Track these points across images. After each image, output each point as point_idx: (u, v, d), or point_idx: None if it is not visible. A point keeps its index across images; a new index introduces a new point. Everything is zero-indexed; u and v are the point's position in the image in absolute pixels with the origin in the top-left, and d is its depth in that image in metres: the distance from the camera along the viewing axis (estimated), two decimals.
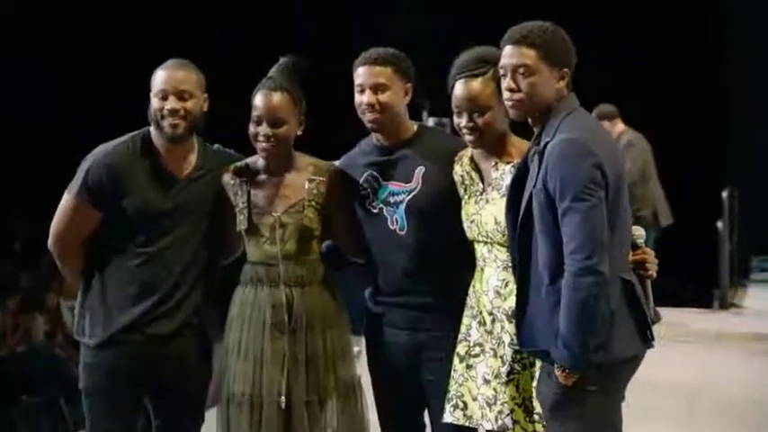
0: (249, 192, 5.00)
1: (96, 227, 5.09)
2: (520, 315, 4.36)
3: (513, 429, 4.54)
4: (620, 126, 11.22)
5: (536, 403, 4.52)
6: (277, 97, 4.93)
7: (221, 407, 5.07)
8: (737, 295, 14.16)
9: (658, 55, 16.06)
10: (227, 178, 5.06)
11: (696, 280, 10.71)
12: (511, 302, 4.50)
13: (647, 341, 4.28)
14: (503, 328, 4.56)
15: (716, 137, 13.42)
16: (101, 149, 5.11)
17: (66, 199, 5.06)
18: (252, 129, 4.96)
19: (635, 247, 4.48)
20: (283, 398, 4.89)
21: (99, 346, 5.05)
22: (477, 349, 4.64)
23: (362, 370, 5.24)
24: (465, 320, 4.72)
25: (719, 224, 12.93)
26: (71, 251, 5.14)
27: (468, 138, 4.67)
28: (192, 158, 5.11)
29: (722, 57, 18.42)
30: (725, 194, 13.11)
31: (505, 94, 4.32)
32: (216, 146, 5.27)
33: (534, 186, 4.22)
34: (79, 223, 5.07)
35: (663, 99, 10.09)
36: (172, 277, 5.05)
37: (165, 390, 5.19)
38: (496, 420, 4.53)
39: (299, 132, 5.02)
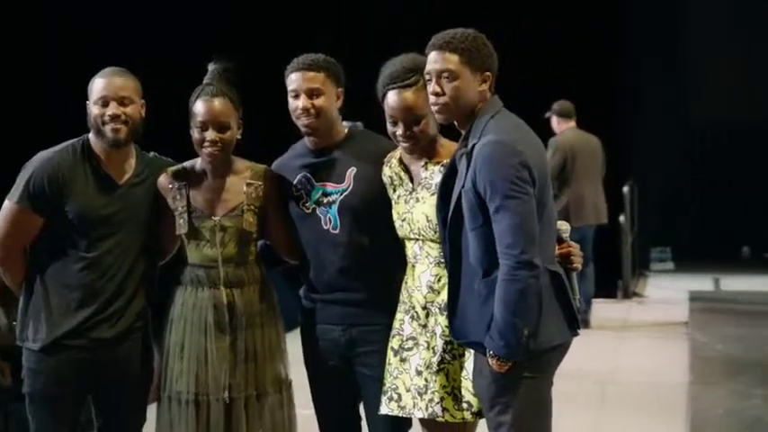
0: (188, 196, 5.00)
1: (37, 232, 5.04)
2: (452, 309, 4.43)
3: (443, 417, 4.60)
4: (569, 125, 11.25)
5: (465, 392, 4.59)
6: (219, 102, 4.95)
7: (162, 406, 5.09)
8: (639, 285, 14.47)
9: (559, 59, 16.27)
10: (165, 182, 5.06)
11: (600, 271, 10.88)
12: (444, 296, 4.56)
13: (574, 329, 4.40)
14: (436, 321, 4.62)
15: (616, 136, 13.63)
16: (42, 156, 5.07)
17: (7, 206, 5.02)
18: (196, 135, 4.95)
19: (560, 240, 4.58)
20: (227, 393, 4.93)
21: (43, 350, 5.02)
22: (411, 343, 4.68)
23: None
24: (398, 315, 4.76)
25: (621, 218, 13.16)
26: (12, 256, 5.09)
27: (404, 145, 4.72)
28: (132, 164, 5.09)
29: (621, 61, 18.73)
30: (625, 190, 13.36)
31: (431, 99, 4.39)
32: (152, 153, 5.26)
33: (463, 186, 4.29)
34: (20, 229, 5.03)
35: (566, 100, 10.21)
36: (114, 282, 5.03)
37: (109, 392, 5.18)
38: (427, 408, 4.59)
39: (239, 136, 5.05)
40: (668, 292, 13.91)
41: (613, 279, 13.15)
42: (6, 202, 5.04)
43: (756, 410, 7.25)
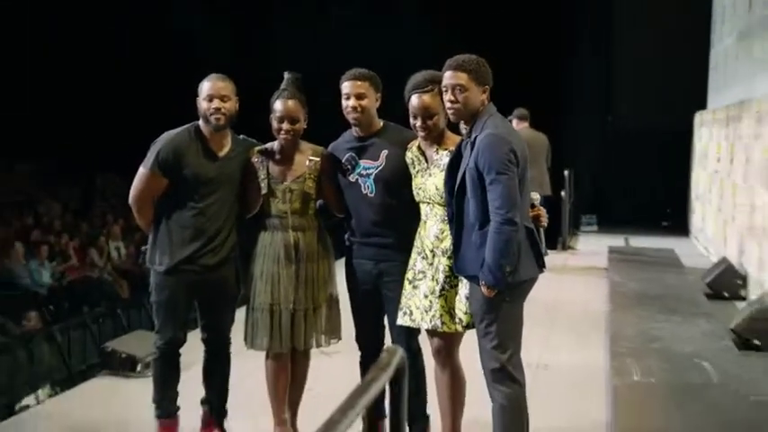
0: (268, 167, 5.24)
1: (163, 190, 5.27)
2: (455, 252, 4.63)
3: (442, 328, 4.79)
4: (524, 125, 11.48)
5: (457, 311, 4.78)
6: (291, 102, 5.15)
7: (248, 313, 5.29)
8: (573, 241, 14.52)
9: (504, 60, 16.27)
10: (255, 158, 5.28)
11: (548, 231, 11.08)
12: (445, 244, 4.76)
13: (542, 267, 4.63)
14: (439, 261, 4.81)
15: (561, 134, 13.68)
16: (166, 135, 5.30)
17: (142, 172, 5.26)
18: (275, 125, 5.16)
19: (532, 206, 4.80)
20: (292, 305, 5.19)
21: (166, 272, 5.26)
22: (420, 275, 4.86)
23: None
24: (413, 256, 4.93)
25: (562, 193, 13.26)
26: (146, 206, 5.33)
27: (421, 134, 4.88)
28: (228, 143, 5.31)
29: (563, 75, 18.82)
30: (566, 173, 13.48)
31: (447, 105, 4.57)
32: (242, 136, 5.43)
33: (468, 165, 4.49)
34: (151, 188, 5.27)
35: (513, 99, 10.25)
36: (215, 225, 5.26)
37: (210, 301, 5.42)
38: (430, 322, 4.79)
39: (305, 126, 5.25)
40: (593, 247, 13.94)
41: (555, 236, 13.32)
42: (141, 169, 5.27)
43: (657, 330, 7.35)
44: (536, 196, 4.96)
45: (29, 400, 9.42)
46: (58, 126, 22.07)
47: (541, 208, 4.92)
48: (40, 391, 9.67)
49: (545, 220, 4.86)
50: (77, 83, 22.20)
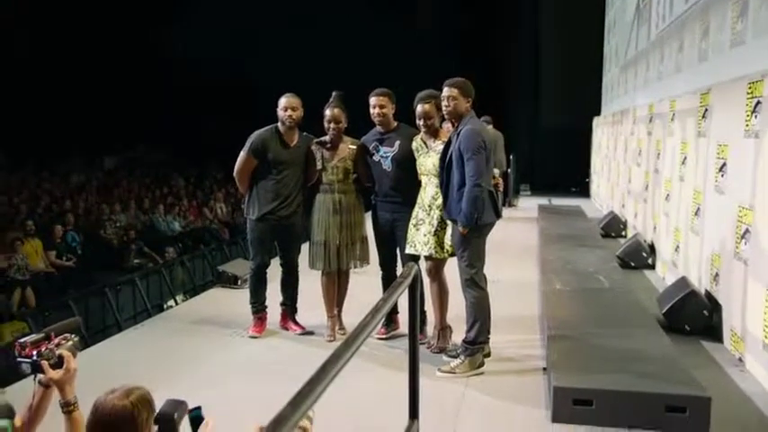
0: (322, 152, 5.22)
1: (254, 167, 5.26)
2: (444, 204, 4.60)
3: (435, 255, 4.77)
4: (490, 126, 11.19)
5: (445, 244, 4.76)
6: (337, 110, 5.15)
7: (310, 247, 5.29)
8: (516, 200, 14.56)
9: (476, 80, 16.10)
10: (313, 147, 5.25)
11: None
12: (439, 201, 4.72)
13: (498, 216, 4.60)
14: (434, 212, 4.78)
15: (508, 131, 13.51)
16: (257, 132, 5.28)
17: (242, 155, 5.26)
18: (326, 125, 5.15)
19: (494, 177, 4.75)
20: (338, 241, 5.20)
21: (257, 220, 5.28)
22: (421, 222, 4.83)
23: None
24: (415, 209, 4.89)
25: (509, 170, 13.23)
26: (243, 178, 5.32)
27: (423, 130, 4.85)
28: (296, 137, 5.29)
29: (505, 87, 18.57)
30: (512, 157, 13.36)
31: (444, 108, 4.53)
32: (305, 133, 5.37)
33: (454, 148, 4.45)
34: (247, 166, 5.27)
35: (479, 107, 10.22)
36: (287, 190, 5.26)
37: (285, 238, 5.41)
38: (428, 251, 4.78)
39: (345, 125, 5.22)
40: (528, 205, 13.89)
41: (504, 198, 13.27)
42: (241, 154, 5.26)
43: (570, 256, 7.32)
44: (496, 171, 4.96)
45: (171, 302, 9.52)
46: (180, 125, 22.01)
47: (500, 179, 4.95)
48: (177, 297, 9.77)
49: (501, 187, 4.87)
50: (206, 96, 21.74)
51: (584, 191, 16.78)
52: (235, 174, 5.38)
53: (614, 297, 5.87)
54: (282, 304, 5.58)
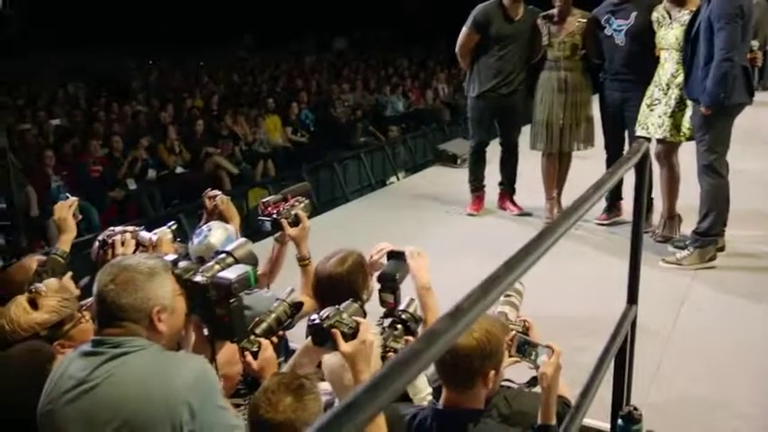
0: (549, 27, 4.95)
1: (477, 42, 5.15)
2: (686, 81, 4.19)
3: (670, 138, 4.40)
4: None
5: (683, 127, 4.36)
6: None
7: (531, 126, 5.12)
8: None
9: None
10: (539, 21, 4.99)
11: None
12: (679, 79, 4.30)
13: (751, 96, 4.07)
14: (672, 91, 4.37)
15: None
16: (480, 6, 5.13)
17: (464, 30, 5.17)
18: None
19: (751, 50, 4.20)
20: (562, 121, 4.97)
21: (476, 97, 5.23)
22: (656, 101, 4.46)
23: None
24: (650, 88, 4.50)
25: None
26: (465, 54, 5.24)
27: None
28: (521, 10, 5.09)
29: None
30: None
31: None
32: (530, 6, 5.12)
33: (703, 17, 4.00)
34: (469, 40, 5.17)
35: None
36: (510, 66, 5.12)
37: (504, 117, 5.33)
38: (662, 133, 4.41)
39: None
40: None
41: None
42: (463, 29, 5.17)
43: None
44: (755, 43, 4.38)
45: (393, 178, 9.91)
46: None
47: (759, 53, 4.36)
48: (399, 174, 10.13)
49: (759, 62, 4.34)
50: None
51: None
52: (456, 50, 5.32)
53: None
54: (500, 184, 5.57)
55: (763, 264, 4.32)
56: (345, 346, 1.77)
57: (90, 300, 2.03)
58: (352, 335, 1.78)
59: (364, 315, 1.90)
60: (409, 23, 22.49)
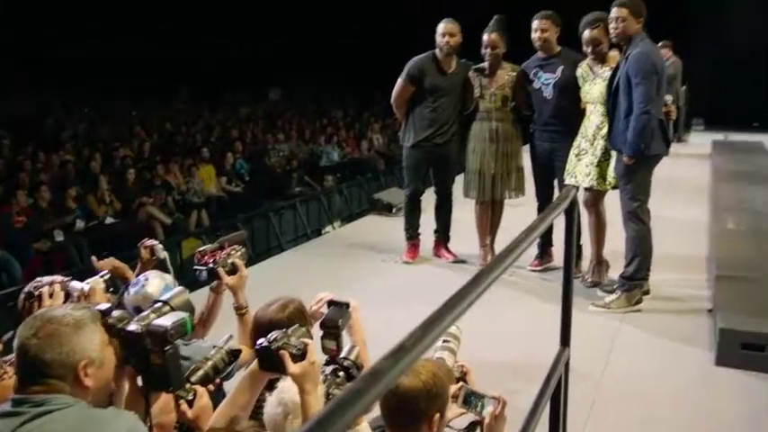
0: (481, 79, 5.10)
1: (411, 94, 5.24)
2: (609, 133, 4.37)
3: (596, 186, 4.54)
4: (667, 51, 10.05)
5: (608, 176, 4.52)
6: (495, 35, 4.98)
7: (464, 175, 5.26)
8: (686, 136, 13.37)
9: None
10: (471, 74, 5.13)
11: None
12: (604, 131, 4.47)
13: (667, 147, 4.32)
14: (598, 142, 4.54)
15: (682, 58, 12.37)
16: (414, 59, 5.24)
17: (399, 82, 5.27)
18: (483, 51, 5.00)
19: (665, 105, 4.42)
20: (493, 170, 5.10)
21: (411, 147, 5.30)
22: (583, 152, 4.62)
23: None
24: (577, 139, 4.67)
25: (680, 104, 12.14)
26: (400, 105, 5.33)
27: (590, 55, 4.58)
28: (454, 64, 5.20)
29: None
30: (683, 88, 12.18)
31: (611, 31, 4.23)
32: (463, 60, 5.24)
33: (622, 73, 4.19)
34: (404, 92, 5.27)
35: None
36: (443, 118, 5.21)
37: (439, 166, 5.41)
38: (589, 182, 4.57)
39: (504, 50, 5.04)
40: (701, 140, 12.81)
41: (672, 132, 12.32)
42: (399, 81, 5.27)
43: (749, 195, 6.73)
44: (668, 98, 4.60)
45: (328, 228, 9.90)
46: (339, 60, 22.16)
47: (672, 106, 4.58)
48: (335, 223, 10.14)
49: (673, 115, 4.56)
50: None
51: (766, 125, 15.12)
52: (392, 101, 5.42)
53: None
54: (436, 232, 5.62)
55: (685, 306, 4.48)
56: (294, 368, 1.78)
57: (12, 356, 1.94)
58: (300, 356, 1.78)
59: (311, 338, 1.90)
60: (346, 73, 22.70)
